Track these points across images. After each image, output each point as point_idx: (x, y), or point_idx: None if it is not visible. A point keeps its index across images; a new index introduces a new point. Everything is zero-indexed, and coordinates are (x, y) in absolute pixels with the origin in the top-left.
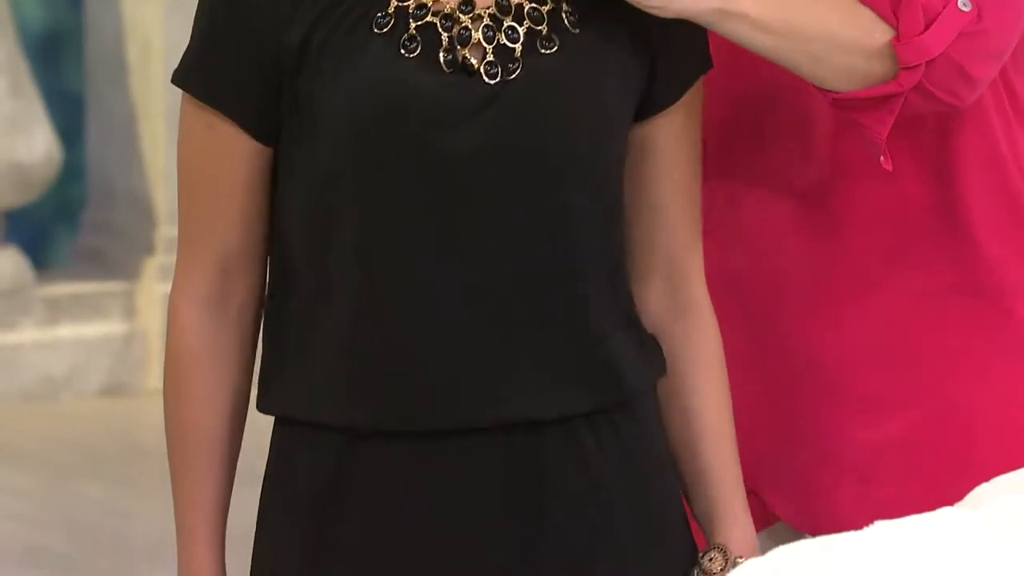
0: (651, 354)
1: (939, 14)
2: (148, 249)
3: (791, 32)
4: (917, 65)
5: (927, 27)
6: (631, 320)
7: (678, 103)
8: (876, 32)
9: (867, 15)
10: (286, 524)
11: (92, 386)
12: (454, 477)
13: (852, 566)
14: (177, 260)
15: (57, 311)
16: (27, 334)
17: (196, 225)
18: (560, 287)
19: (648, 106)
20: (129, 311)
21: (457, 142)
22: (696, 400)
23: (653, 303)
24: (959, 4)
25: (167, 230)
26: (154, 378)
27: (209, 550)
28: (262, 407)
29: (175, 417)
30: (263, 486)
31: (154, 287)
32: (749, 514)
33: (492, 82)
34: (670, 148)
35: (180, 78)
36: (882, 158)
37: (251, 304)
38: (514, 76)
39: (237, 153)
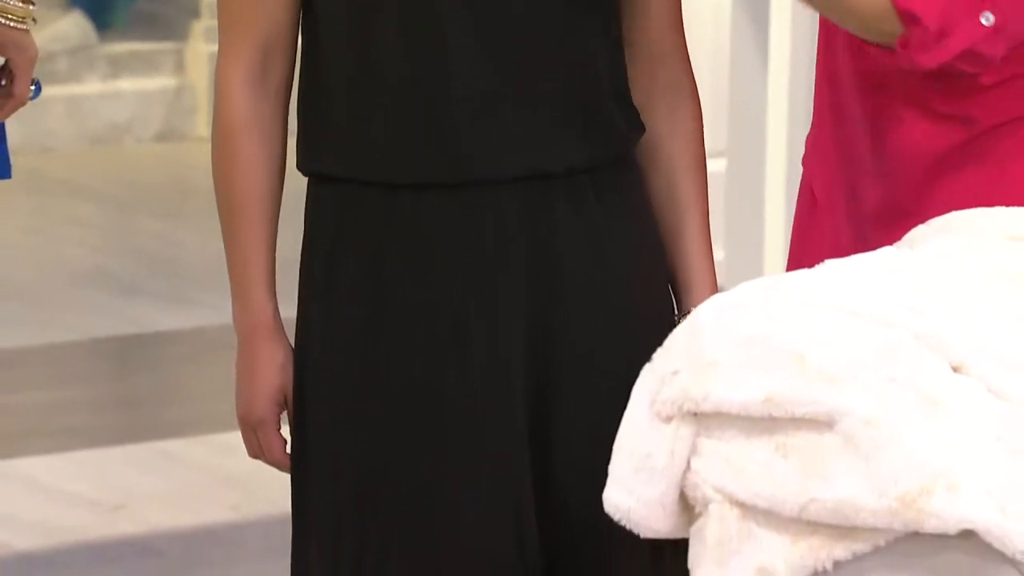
0: (635, 122)
1: (956, 25)
2: (195, 13)
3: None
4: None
5: (939, 38)
6: (622, 93)
7: None
8: (884, 23)
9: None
10: (332, 273)
11: (149, 132)
12: (481, 223)
13: (803, 293)
14: (222, 43)
15: (118, 67)
16: (92, 87)
17: (240, 12)
18: (572, 58)
19: None
20: (179, 67)
21: None
22: (675, 172)
23: (639, 82)
24: (981, 19)
25: None
26: (202, 126)
27: (267, 290)
28: (306, 168)
29: (228, 179)
30: (305, 242)
31: (200, 46)
32: (717, 286)
33: None
34: None
35: None
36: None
37: (285, 83)
38: None
39: None
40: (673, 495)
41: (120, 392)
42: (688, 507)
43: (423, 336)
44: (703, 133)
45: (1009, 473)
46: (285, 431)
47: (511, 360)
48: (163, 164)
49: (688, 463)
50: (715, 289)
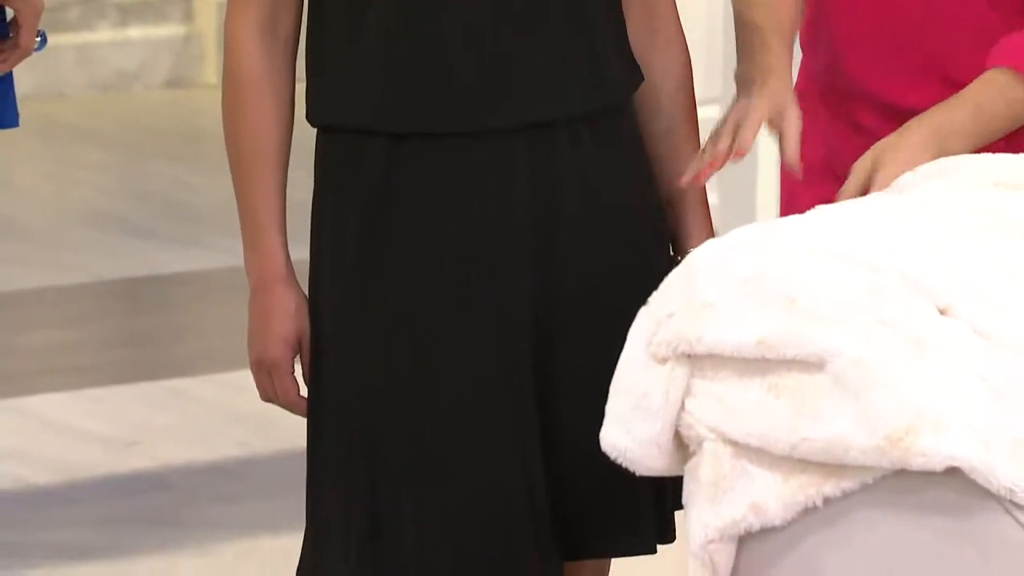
0: (634, 71)
1: None
2: None
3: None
4: None
5: None
6: (621, 43)
7: None
8: None
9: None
10: (340, 220)
11: (158, 79)
12: (486, 172)
13: (796, 238)
14: None
15: (127, 15)
16: (103, 35)
17: None
18: (572, 9)
19: None
20: (187, 15)
21: None
22: (671, 121)
23: (633, 37)
24: None
25: None
26: (209, 73)
27: (278, 238)
28: (314, 119)
29: (239, 131)
30: (315, 191)
31: None
32: (713, 230)
33: None
34: None
35: None
36: None
37: (293, 37)
38: None
39: None
40: (668, 434)
41: (131, 332)
42: (683, 446)
43: (428, 283)
44: (692, 88)
45: (993, 412)
46: (298, 374)
47: (515, 306)
48: (172, 110)
49: (683, 403)
50: (711, 233)
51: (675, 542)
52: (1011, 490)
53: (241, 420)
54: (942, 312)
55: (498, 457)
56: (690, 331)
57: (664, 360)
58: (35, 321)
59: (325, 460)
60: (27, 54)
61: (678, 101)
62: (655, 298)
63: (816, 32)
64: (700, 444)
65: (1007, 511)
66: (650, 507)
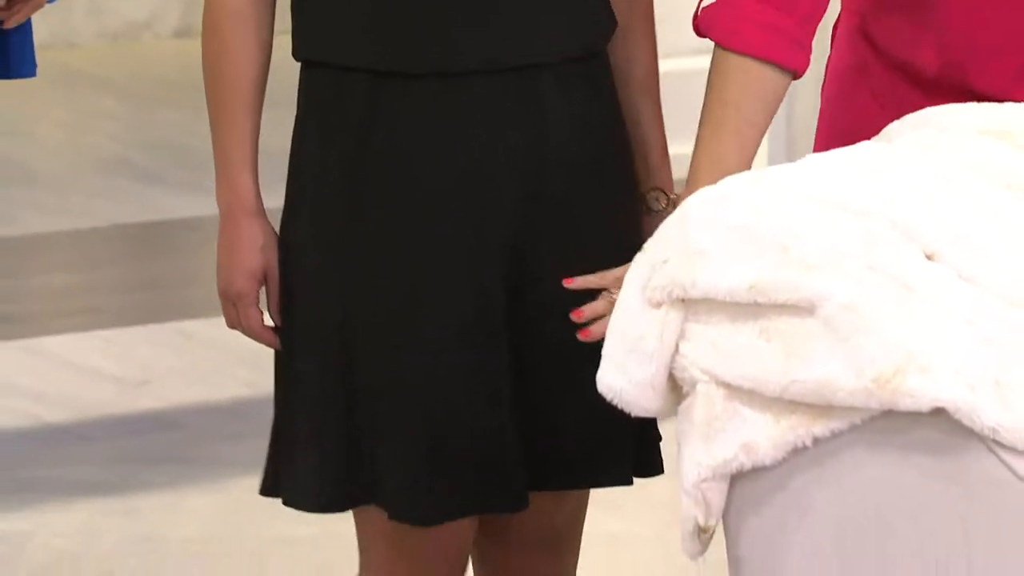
0: (611, 16)
1: None
2: None
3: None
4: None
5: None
6: None
7: None
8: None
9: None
10: (322, 156)
11: (167, 28)
12: (473, 113)
13: (786, 185)
14: None
15: None
16: None
17: None
18: None
19: None
20: None
21: None
22: (631, 61)
23: None
24: None
25: None
26: None
27: (249, 173)
28: (299, 54)
29: (218, 67)
30: (296, 125)
31: None
32: (670, 176)
33: None
34: None
35: None
36: None
37: None
38: None
39: None
40: (663, 376)
41: (142, 275)
42: (677, 388)
43: (408, 224)
44: (655, 30)
45: (978, 354)
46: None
47: (494, 254)
48: (181, 59)
49: (677, 346)
50: (669, 175)
51: (669, 486)
52: (994, 429)
53: (248, 361)
54: (929, 258)
55: (471, 396)
56: (684, 276)
57: (659, 304)
58: (49, 264)
59: (297, 399)
60: (40, 5)
61: (642, 47)
62: (650, 244)
63: (902, 23)
64: (693, 386)
65: (990, 450)
66: (627, 440)
